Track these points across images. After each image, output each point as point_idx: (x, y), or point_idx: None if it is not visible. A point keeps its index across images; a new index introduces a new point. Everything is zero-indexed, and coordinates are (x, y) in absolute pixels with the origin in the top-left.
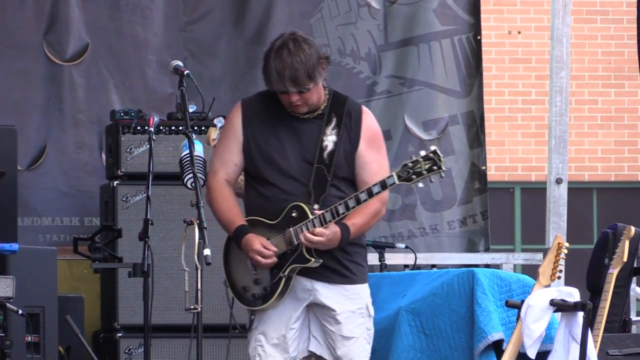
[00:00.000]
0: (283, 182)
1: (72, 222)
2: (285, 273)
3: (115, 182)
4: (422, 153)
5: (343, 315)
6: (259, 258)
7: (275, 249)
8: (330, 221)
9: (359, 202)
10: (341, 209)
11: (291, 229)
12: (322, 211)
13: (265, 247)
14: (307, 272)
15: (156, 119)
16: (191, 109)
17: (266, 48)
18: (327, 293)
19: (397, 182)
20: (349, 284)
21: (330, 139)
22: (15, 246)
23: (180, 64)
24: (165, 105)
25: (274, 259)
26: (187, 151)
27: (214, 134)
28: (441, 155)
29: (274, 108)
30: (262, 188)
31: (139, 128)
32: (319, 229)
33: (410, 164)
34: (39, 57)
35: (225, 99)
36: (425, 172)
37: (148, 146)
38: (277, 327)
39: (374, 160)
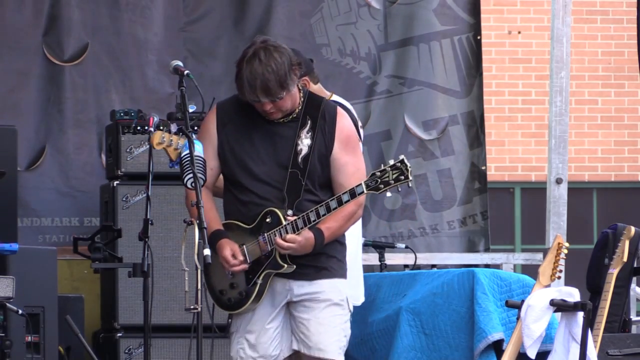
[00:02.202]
0: (258, 187)
1: (71, 222)
2: (260, 279)
3: (115, 182)
4: (391, 162)
5: (318, 304)
6: (226, 265)
7: (241, 258)
8: (302, 228)
9: (329, 210)
10: (312, 217)
11: (265, 235)
12: (294, 217)
13: (234, 256)
14: (283, 272)
15: (156, 118)
16: (191, 109)
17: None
18: (302, 289)
19: (365, 192)
20: (326, 279)
21: (305, 143)
22: (15, 246)
23: (180, 64)
24: (165, 105)
25: (243, 266)
26: (187, 151)
27: (158, 137)
28: (408, 164)
29: (249, 112)
30: (238, 192)
31: (139, 128)
32: (290, 236)
33: (378, 174)
34: (38, 58)
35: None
36: (392, 181)
37: (148, 146)
38: (256, 328)
39: (349, 163)
